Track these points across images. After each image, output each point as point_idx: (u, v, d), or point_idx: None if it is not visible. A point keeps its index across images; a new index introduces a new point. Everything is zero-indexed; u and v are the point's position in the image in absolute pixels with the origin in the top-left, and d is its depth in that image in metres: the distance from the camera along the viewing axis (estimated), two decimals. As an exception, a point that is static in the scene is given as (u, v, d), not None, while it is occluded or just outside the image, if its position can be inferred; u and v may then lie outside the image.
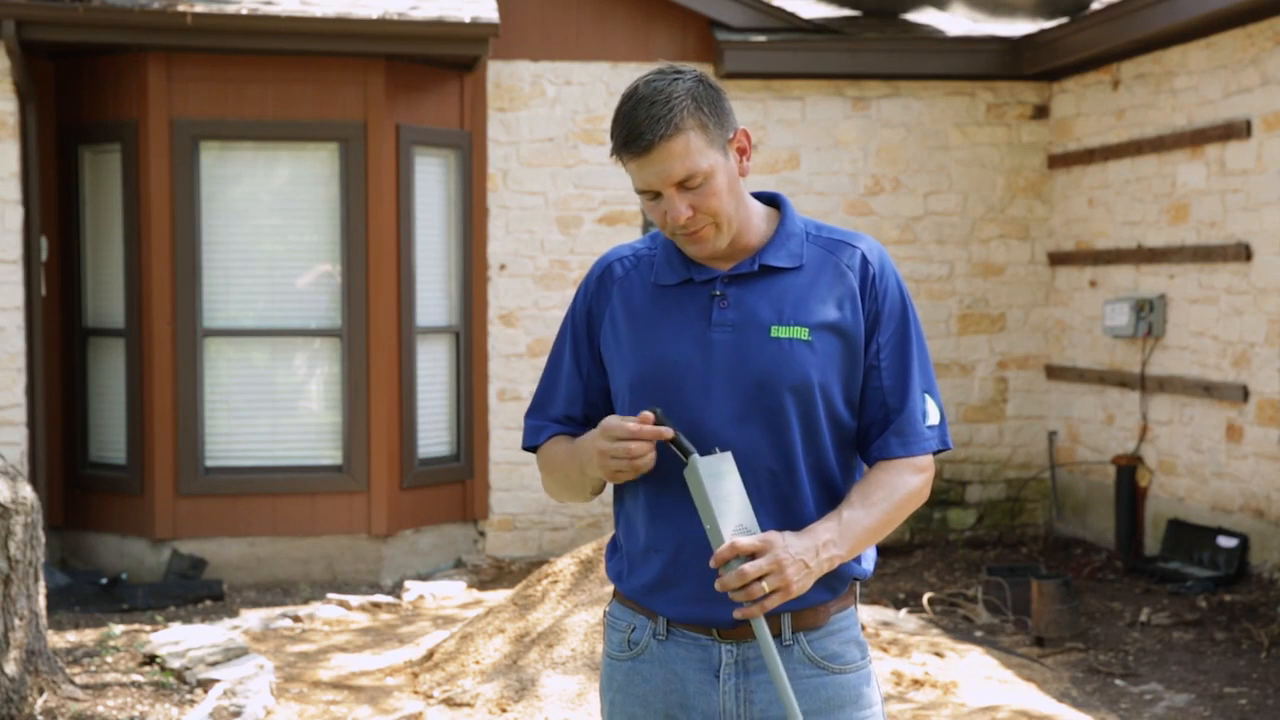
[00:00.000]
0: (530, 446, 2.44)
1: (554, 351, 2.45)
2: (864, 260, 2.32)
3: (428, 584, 7.59)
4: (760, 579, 2.09)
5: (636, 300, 2.33)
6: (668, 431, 2.16)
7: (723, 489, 2.13)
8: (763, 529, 2.20)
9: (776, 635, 2.27)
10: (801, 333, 2.25)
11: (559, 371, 2.42)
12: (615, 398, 2.36)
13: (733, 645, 2.28)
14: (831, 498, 2.30)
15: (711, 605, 2.24)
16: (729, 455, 2.17)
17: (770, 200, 2.41)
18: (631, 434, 2.16)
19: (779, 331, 2.25)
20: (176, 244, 7.71)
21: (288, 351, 7.98)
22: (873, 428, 2.32)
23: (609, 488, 2.40)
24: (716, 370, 2.25)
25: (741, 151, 2.30)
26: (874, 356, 2.30)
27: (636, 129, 2.21)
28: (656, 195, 2.25)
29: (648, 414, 2.16)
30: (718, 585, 2.12)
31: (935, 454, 2.34)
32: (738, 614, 2.13)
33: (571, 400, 2.40)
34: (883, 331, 2.30)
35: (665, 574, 2.28)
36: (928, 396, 2.32)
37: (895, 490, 2.27)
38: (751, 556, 2.11)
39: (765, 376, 2.23)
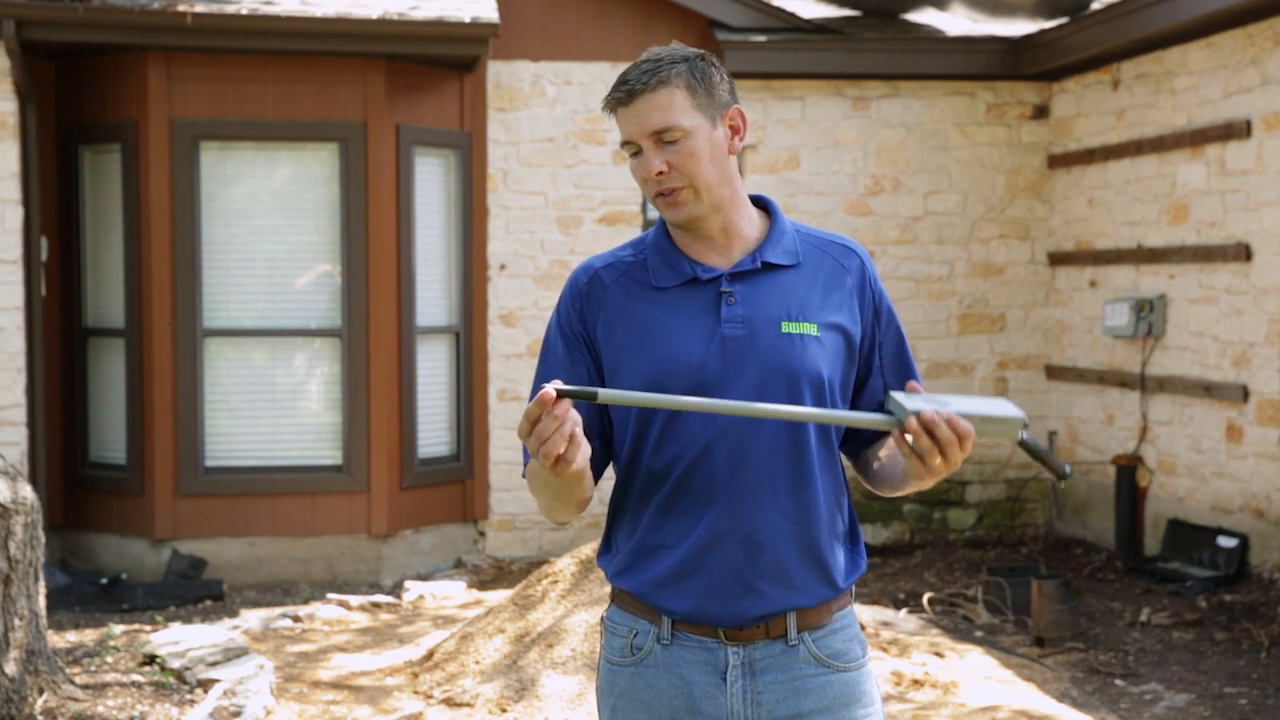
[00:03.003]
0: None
1: (542, 367, 2.38)
2: (861, 264, 2.37)
3: (428, 584, 7.60)
4: (943, 454, 2.08)
5: (635, 304, 2.31)
6: (550, 394, 1.99)
7: (990, 403, 2.13)
8: (777, 519, 2.25)
9: (781, 636, 2.28)
10: (811, 329, 2.28)
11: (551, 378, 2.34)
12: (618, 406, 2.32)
13: (739, 647, 2.28)
14: (836, 489, 2.33)
15: (723, 600, 2.25)
16: (1020, 420, 2.13)
17: (757, 203, 2.41)
18: (532, 416, 2.02)
19: (789, 328, 2.27)
20: (176, 244, 7.71)
21: (288, 351, 7.98)
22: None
23: (597, 500, 2.38)
24: (731, 366, 2.25)
25: (734, 130, 2.33)
26: (877, 355, 2.36)
27: (624, 79, 2.27)
28: (636, 152, 2.28)
29: (547, 392, 2.00)
30: (911, 428, 2.06)
31: None
32: (912, 423, 2.05)
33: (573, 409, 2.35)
34: (883, 331, 2.38)
35: (676, 569, 2.27)
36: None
37: None
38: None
39: (783, 371, 2.24)
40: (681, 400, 2.08)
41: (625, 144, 2.29)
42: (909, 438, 2.08)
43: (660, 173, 2.25)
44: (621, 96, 2.26)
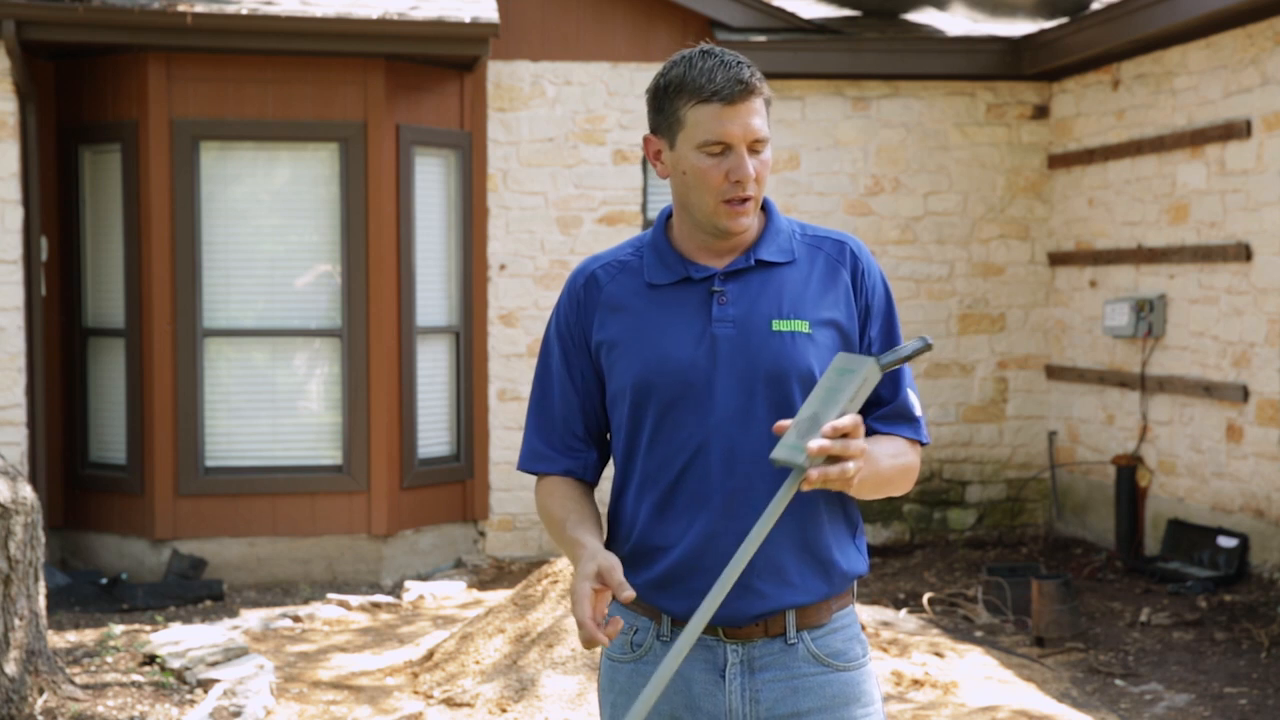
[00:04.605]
0: (529, 470, 2.41)
1: (541, 369, 2.40)
2: (854, 257, 2.36)
3: (428, 584, 7.60)
4: (848, 461, 2.07)
5: (630, 302, 2.32)
6: (607, 635, 2.10)
7: (844, 383, 2.11)
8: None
9: (780, 634, 2.28)
10: (802, 326, 2.27)
11: (550, 389, 2.38)
12: (614, 401, 2.33)
13: (738, 645, 2.28)
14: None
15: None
16: (870, 361, 2.12)
17: None
18: (581, 620, 2.10)
19: (780, 325, 2.27)
20: (176, 244, 7.71)
21: (288, 351, 7.98)
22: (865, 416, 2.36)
23: (596, 500, 2.39)
24: (721, 366, 2.25)
25: None
26: (865, 350, 2.34)
27: (736, 74, 2.21)
28: (720, 152, 2.23)
29: (617, 621, 2.11)
30: (813, 447, 2.03)
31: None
32: (813, 475, 2.04)
33: (570, 418, 2.36)
34: (873, 326, 2.35)
35: (673, 570, 2.28)
36: (910, 391, 2.38)
37: (906, 457, 2.33)
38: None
39: (772, 370, 2.24)
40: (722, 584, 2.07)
41: (713, 144, 2.22)
42: (819, 480, 2.07)
43: (753, 179, 2.23)
44: (735, 92, 2.20)
